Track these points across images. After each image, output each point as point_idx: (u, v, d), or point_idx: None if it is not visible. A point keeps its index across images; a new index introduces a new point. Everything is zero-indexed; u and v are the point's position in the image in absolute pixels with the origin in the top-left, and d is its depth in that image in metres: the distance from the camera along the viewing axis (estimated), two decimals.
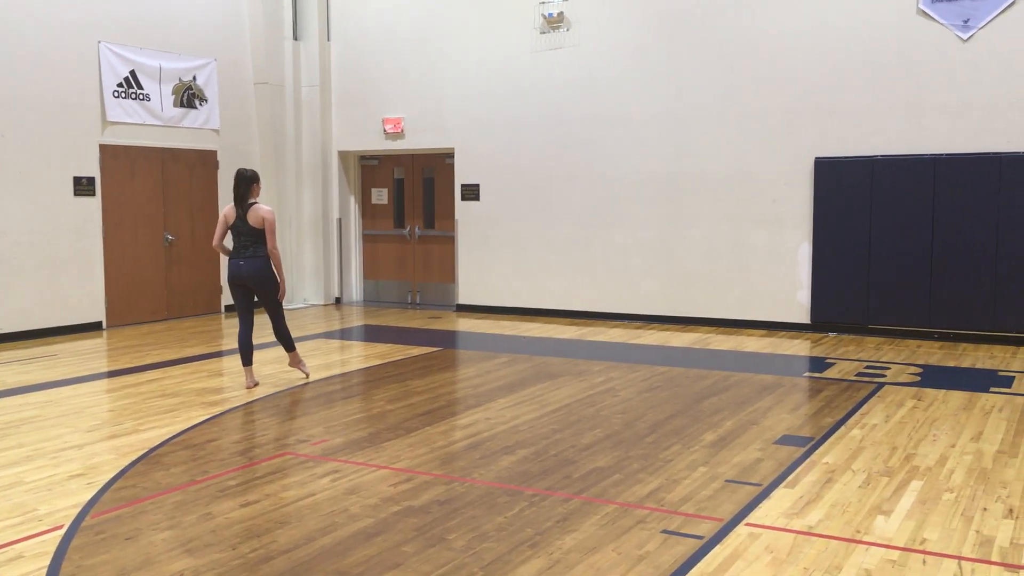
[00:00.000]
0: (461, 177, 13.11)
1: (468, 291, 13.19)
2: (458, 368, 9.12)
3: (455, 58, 12.94)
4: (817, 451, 5.89)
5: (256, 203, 7.68)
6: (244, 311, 7.84)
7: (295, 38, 13.73)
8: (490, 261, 12.95)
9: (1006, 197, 9.77)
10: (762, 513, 4.73)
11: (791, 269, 11.04)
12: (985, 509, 4.76)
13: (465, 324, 12.16)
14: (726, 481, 5.28)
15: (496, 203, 12.86)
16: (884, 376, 8.33)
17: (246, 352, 7.88)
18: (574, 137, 12.21)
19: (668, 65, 11.55)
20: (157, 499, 5.02)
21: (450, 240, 13.44)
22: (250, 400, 7.50)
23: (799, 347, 10.09)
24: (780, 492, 5.07)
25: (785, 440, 6.17)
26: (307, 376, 8.27)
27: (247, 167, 8.24)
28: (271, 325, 7.96)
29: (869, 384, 7.98)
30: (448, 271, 13.57)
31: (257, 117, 13.48)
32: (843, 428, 6.47)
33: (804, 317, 11.01)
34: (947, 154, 10.06)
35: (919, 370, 8.62)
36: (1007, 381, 8.08)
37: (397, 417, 6.90)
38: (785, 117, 10.91)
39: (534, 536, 4.42)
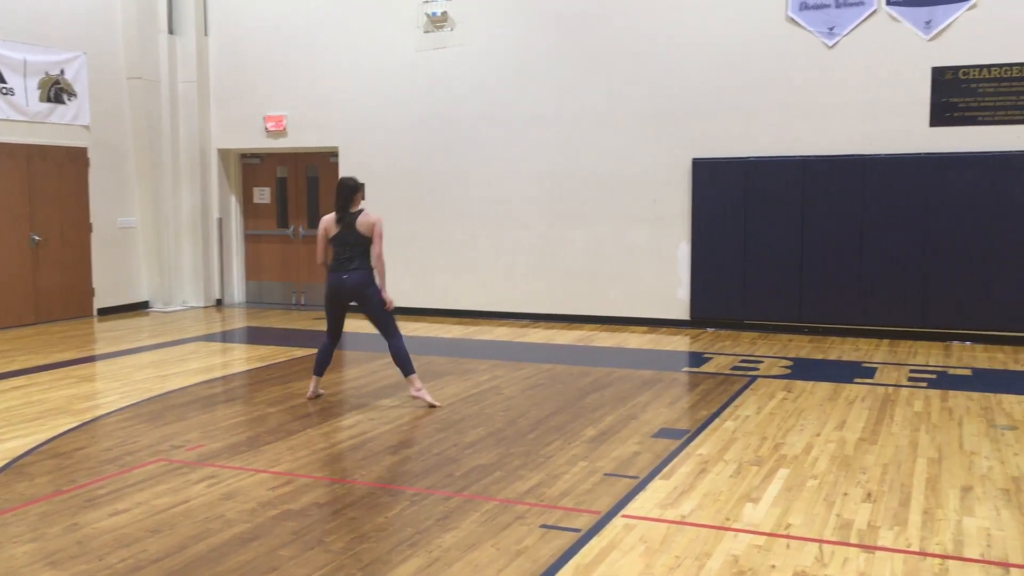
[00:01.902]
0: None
1: None
2: (343, 369, 9.02)
3: (338, 55, 12.78)
4: (692, 443, 6.07)
5: (364, 210, 7.06)
6: (335, 322, 7.28)
7: (170, 32, 13.30)
8: None
9: (870, 197, 10.28)
10: (638, 505, 4.86)
11: (671, 267, 11.34)
12: (846, 494, 5.01)
13: (351, 325, 11.95)
14: (605, 475, 5.39)
15: (382, 202, 12.73)
16: (757, 369, 8.65)
17: (321, 363, 7.37)
18: (461, 137, 12.24)
19: (552, 66, 11.70)
20: (19, 511, 4.80)
21: None
22: (122, 407, 7.24)
23: (679, 343, 10.37)
24: (656, 484, 5.21)
25: (662, 433, 6.34)
26: (433, 406, 7.07)
27: (349, 176, 7.22)
28: (387, 345, 7.15)
29: (743, 377, 8.27)
30: None
31: (131, 113, 13.01)
32: (717, 420, 6.69)
33: (684, 314, 11.32)
34: (815, 156, 10.52)
35: (790, 363, 8.99)
36: (870, 372, 8.50)
37: (278, 420, 6.78)
38: (664, 119, 11.20)
39: (414, 535, 4.42)
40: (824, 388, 7.77)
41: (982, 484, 5.16)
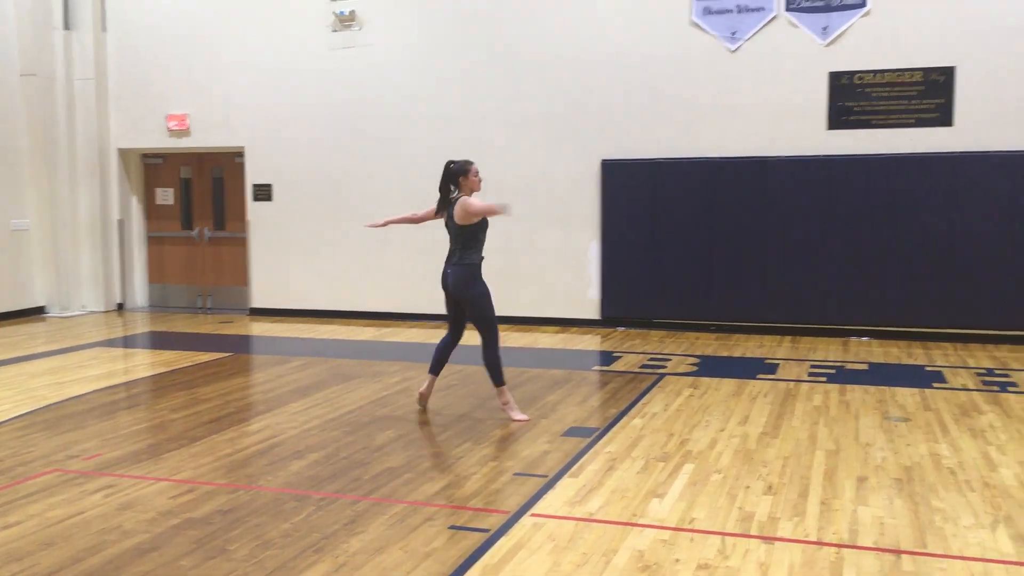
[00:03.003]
0: (253, 177, 12.71)
1: (262, 294, 12.81)
2: (249, 373, 8.84)
3: (244, 54, 12.53)
4: (601, 441, 6.14)
5: (463, 197, 6.56)
6: (452, 321, 6.99)
7: (66, 27, 12.82)
8: (285, 263, 12.64)
9: (772, 198, 10.56)
10: (546, 503, 4.88)
11: (582, 267, 11.44)
12: (748, 487, 5.13)
13: (259, 328, 11.80)
14: (514, 474, 5.41)
15: (291, 203, 12.57)
16: (665, 367, 8.80)
17: (437, 360, 7.04)
18: (370, 137, 12.13)
19: (460, 67, 11.70)
20: None
21: (242, 242, 12.99)
22: (15, 416, 6.94)
23: (590, 342, 10.48)
24: (565, 482, 5.24)
25: (572, 432, 6.39)
26: (522, 420, 6.63)
27: (454, 160, 6.79)
28: (481, 345, 6.74)
29: (652, 375, 8.40)
30: (240, 274, 13.11)
31: (24, 111, 12.50)
32: (626, 418, 6.78)
33: (595, 313, 11.44)
34: (720, 157, 10.76)
35: (697, 360, 9.17)
36: (773, 368, 8.73)
37: (181, 426, 6.60)
38: (573, 120, 11.30)
39: (320, 540, 4.35)
40: (729, 384, 7.94)
41: (876, 474, 5.35)
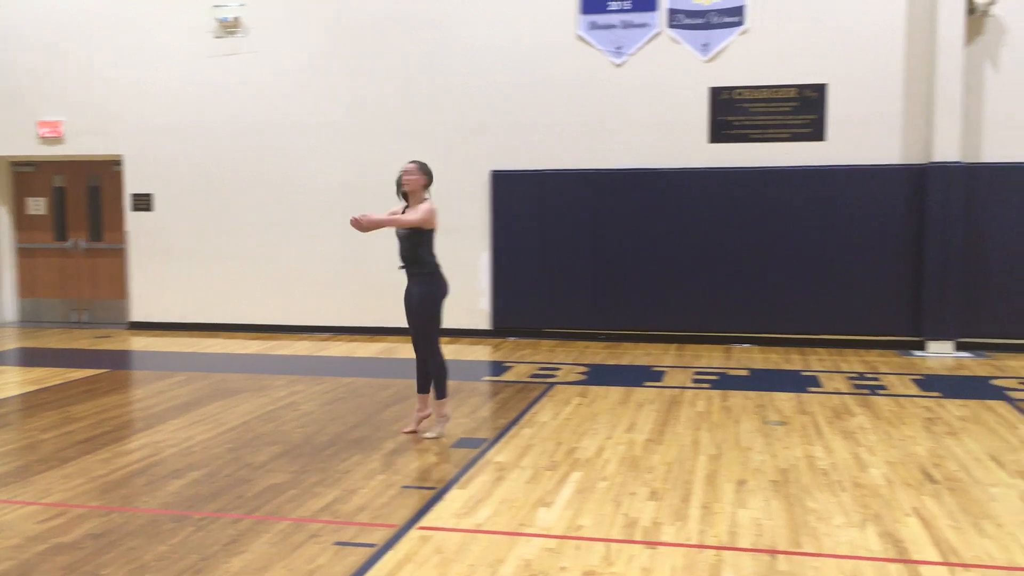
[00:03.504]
0: (132, 186, 12.26)
1: (143, 307, 12.36)
2: (127, 390, 8.51)
3: (122, 59, 12.09)
4: (490, 451, 6.15)
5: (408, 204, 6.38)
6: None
7: None
8: (167, 275, 12.23)
9: (657, 209, 10.81)
10: (435, 515, 4.86)
11: (473, 278, 11.46)
12: (633, 493, 5.22)
13: (139, 343, 11.38)
14: (403, 487, 5.36)
15: (173, 213, 12.18)
16: (555, 376, 8.88)
17: (422, 377, 6.68)
18: (257, 145, 11.87)
19: (349, 75, 11.58)
20: None
21: (120, 253, 12.51)
22: None
23: (481, 352, 10.50)
24: (453, 494, 5.23)
25: (462, 443, 6.38)
26: (428, 438, 6.46)
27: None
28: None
29: (541, 384, 8.47)
30: (119, 286, 12.62)
31: None
32: (515, 427, 6.81)
33: (486, 323, 11.47)
34: (607, 169, 10.95)
35: (586, 369, 9.29)
36: (659, 376, 8.92)
37: (51, 447, 6.29)
38: (463, 132, 11.32)
39: (199, 562, 4.22)
40: (617, 392, 8.07)
41: (755, 477, 5.52)
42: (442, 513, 4.89)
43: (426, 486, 5.38)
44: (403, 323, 11.34)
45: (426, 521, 4.77)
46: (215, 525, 4.71)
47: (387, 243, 11.48)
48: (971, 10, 9.84)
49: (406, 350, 10.53)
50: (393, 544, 4.43)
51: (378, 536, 4.55)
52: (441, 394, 6.57)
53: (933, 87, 9.98)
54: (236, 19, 11.66)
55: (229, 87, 11.85)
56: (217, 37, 11.78)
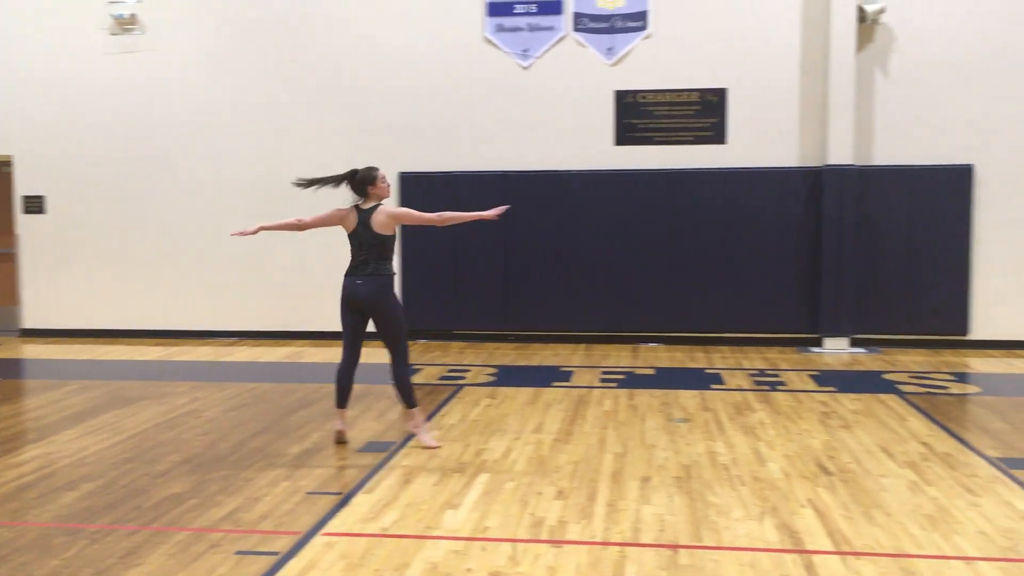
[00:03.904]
0: (23, 188, 11.78)
1: (35, 313, 11.88)
2: (18, 400, 8.17)
3: (10, 57, 11.60)
4: (398, 455, 6.11)
5: (382, 205, 6.22)
6: (352, 337, 6.38)
7: None
8: (62, 279, 11.78)
9: (565, 210, 10.91)
10: (340, 521, 4.80)
11: None
12: (540, 493, 5.25)
13: (31, 350, 10.94)
14: (307, 493, 5.28)
15: (68, 216, 11.74)
16: (464, 378, 8.88)
17: (343, 390, 6.40)
18: (158, 146, 11.54)
19: (253, 75, 11.36)
20: None
21: (10, 257, 12.00)
22: None
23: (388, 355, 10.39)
24: (359, 498, 5.18)
25: (369, 447, 6.32)
26: (433, 447, 6.24)
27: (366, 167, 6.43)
28: (390, 364, 6.39)
29: (451, 386, 8.46)
30: (8, 292, 12.10)
31: None
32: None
33: None
34: (516, 171, 11.00)
35: (495, 370, 9.32)
36: (567, 376, 9.01)
37: None
38: (370, 133, 11.22)
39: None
40: (525, 393, 8.12)
41: (659, 474, 5.62)
42: (348, 518, 4.84)
43: (332, 492, 5.31)
44: (312, 326, 11.33)
45: (331, 527, 4.71)
46: (110, 538, 4.56)
47: (293, 245, 11.37)
48: (862, 19, 10.22)
49: (313, 354, 10.45)
50: (297, 551, 4.36)
51: (281, 544, 4.48)
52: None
53: (827, 92, 10.34)
54: (132, 16, 11.32)
55: (128, 85, 11.49)
56: (113, 34, 11.42)
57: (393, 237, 6.23)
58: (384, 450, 6.22)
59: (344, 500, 5.14)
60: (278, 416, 7.26)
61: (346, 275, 6.26)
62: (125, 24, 11.34)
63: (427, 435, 6.36)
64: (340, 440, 6.37)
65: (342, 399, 6.39)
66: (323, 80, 11.28)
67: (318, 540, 4.52)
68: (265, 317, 11.50)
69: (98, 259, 11.70)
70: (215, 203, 11.53)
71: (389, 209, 6.24)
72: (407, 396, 6.35)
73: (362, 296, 6.18)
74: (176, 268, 11.61)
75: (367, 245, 6.15)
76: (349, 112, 11.25)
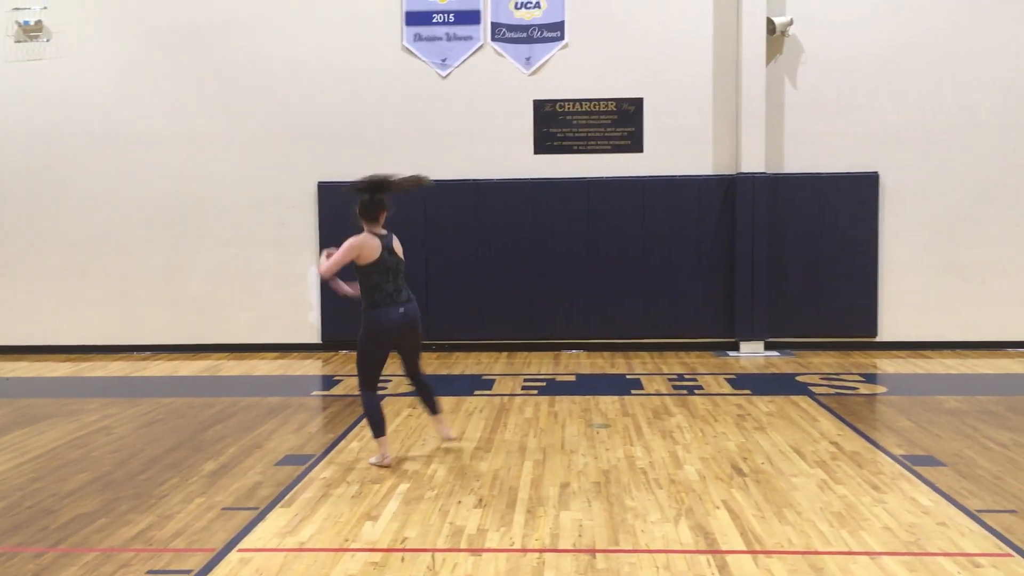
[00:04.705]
0: None
1: None
2: None
3: None
4: (316, 468, 6.04)
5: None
6: (381, 369, 6.17)
7: None
8: None
9: (486, 219, 10.95)
10: (256, 537, 4.72)
11: (301, 291, 11.24)
12: (460, 502, 5.25)
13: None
14: (223, 509, 5.18)
15: None
16: (386, 388, 8.80)
17: (426, 402, 6.43)
18: (64, 156, 11.21)
19: (166, 84, 11.13)
20: None
21: None
22: None
23: (310, 367, 10.30)
24: (276, 513, 5.10)
25: (287, 460, 6.24)
26: (450, 438, 6.52)
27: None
28: (411, 370, 6.36)
29: None
30: None
31: None
32: (343, 442, 6.72)
33: (316, 337, 11.26)
34: (437, 179, 10.88)
35: None
36: (489, 384, 9.03)
37: None
38: (288, 142, 11.10)
39: None
40: (447, 402, 8.07)
41: (578, 479, 5.68)
42: (263, 533, 4.77)
43: (248, 507, 5.22)
44: (229, 339, 11.13)
45: (246, 543, 4.63)
46: (14, 561, 4.41)
47: (210, 256, 11.17)
48: (771, 31, 10.51)
49: (230, 367, 10.26)
50: (210, 569, 4.28)
51: (194, 561, 4.39)
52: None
53: (739, 102, 10.60)
54: (38, 22, 10.99)
55: (32, 94, 11.15)
56: (18, 41, 11.07)
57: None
58: (302, 463, 6.14)
59: (260, 515, 5.06)
60: (193, 431, 7.11)
61: (382, 306, 5.95)
62: (31, 31, 11.01)
63: (449, 429, 6.58)
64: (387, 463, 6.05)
65: (431, 407, 6.44)
66: (237, 89, 11.11)
67: (233, 556, 4.44)
68: (181, 330, 11.25)
69: (3, 273, 11.30)
70: (125, 215, 11.26)
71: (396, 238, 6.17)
72: (435, 400, 6.43)
73: (409, 322, 6.04)
74: (86, 282, 11.28)
75: (394, 271, 6.00)
76: (265, 122, 11.11)
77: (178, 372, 10.05)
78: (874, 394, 8.48)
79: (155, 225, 11.25)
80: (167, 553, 4.51)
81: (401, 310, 5.95)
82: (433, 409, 6.41)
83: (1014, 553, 4.36)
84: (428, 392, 6.38)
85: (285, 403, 8.17)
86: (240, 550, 4.53)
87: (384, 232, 6.00)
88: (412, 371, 6.33)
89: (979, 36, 10.58)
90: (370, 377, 6.07)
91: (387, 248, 5.92)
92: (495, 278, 11.01)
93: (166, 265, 11.25)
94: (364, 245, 5.88)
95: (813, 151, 10.75)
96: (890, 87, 10.67)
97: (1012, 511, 4.96)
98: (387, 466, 5.95)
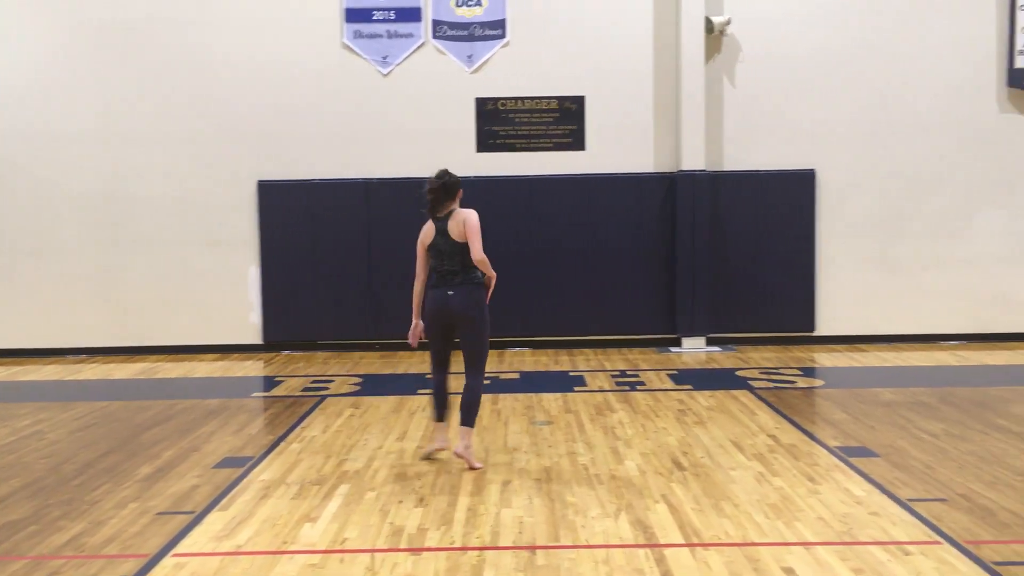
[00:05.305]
0: None
1: None
2: None
3: None
4: (256, 469, 5.96)
5: (455, 210, 5.86)
6: (440, 354, 6.06)
7: None
8: None
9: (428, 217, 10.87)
10: (191, 541, 4.64)
11: (241, 291, 11.07)
12: (400, 502, 5.22)
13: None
14: (157, 514, 5.09)
15: None
16: (328, 389, 8.75)
17: (441, 405, 6.09)
18: None
19: (98, 80, 10.89)
20: None
21: None
22: None
23: (251, 368, 10.16)
24: (213, 516, 5.02)
25: (225, 463, 6.14)
26: (473, 468, 5.84)
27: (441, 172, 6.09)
28: (465, 374, 6.01)
29: (313, 398, 8.31)
30: None
31: None
32: (283, 443, 6.64)
33: (257, 338, 11.11)
34: (377, 179, 10.92)
35: (360, 380, 9.22)
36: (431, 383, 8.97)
37: None
38: (227, 140, 10.93)
39: None
40: (390, 402, 8.06)
41: (520, 477, 5.68)
42: (199, 538, 4.69)
43: (184, 511, 5.13)
44: (167, 340, 10.92)
45: (181, 547, 4.55)
46: None
47: (147, 257, 10.95)
48: (709, 30, 10.63)
49: (168, 368, 10.09)
50: (144, 575, 4.19)
51: (127, 568, 4.30)
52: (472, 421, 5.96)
53: (679, 101, 10.70)
54: None
55: None
56: None
57: (465, 243, 5.85)
58: (241, 465, 6.05)
59: (197, 519, 4.97)
60: (129, 435, 6.97)
61: (432, 287, 5.93)
62: None
63: (472, 456, 5.90)
64: (441, 448, 6.07)
65: (441, 412, 6.13)
66: (172, 86, 10.91)
67: (167, 562, 4.36)
68: (117, 333, 11.01)
69: None
70: (56, 215, 10.99)
71: (461, 214, 5.89)
72: (471, 412, 5.94)
73: (454, 307, 5.84)
74: (15, 284, 10.99)
75: (448, 254, 5.87)
76: (202, 119, 10.92)
77: (114, 375, 9.85)
78: (812, 387, 8.64)
79: (88, 225, 11.00)
80: (99, 560, 4.41)
81: (450, 292, 5.84)
82: (466, 419, 5.94)
83: (943, 540, 4.47)
84: (466, 398, 5.97)
85: (225, 405, 8.05)
86: (175, 555, 4.44)
87: (444, 215, 5.91)
88: (466, 370, 6.03)
89: (913, 36, 10.82)
90: (430, 359, 6.12)
91: (440, 231, 5.88)
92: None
93: (100, 266, 11.00)
94: (423, 232, 6.00)
95: (752, 149, 10.90)
96: (826, 86, 10.86)
97: (942, 500, 5.09)
98: (441, 449, 6.04)
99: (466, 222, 5.83)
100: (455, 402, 6.12)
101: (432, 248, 5.93)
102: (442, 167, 6.28)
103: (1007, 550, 4.36)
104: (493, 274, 5.93)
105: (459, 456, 5.90)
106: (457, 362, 6.14)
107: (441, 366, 6.13)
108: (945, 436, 6.49)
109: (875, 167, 10.91)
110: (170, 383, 9.31)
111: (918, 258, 10.93)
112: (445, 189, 5.94)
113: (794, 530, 4.64)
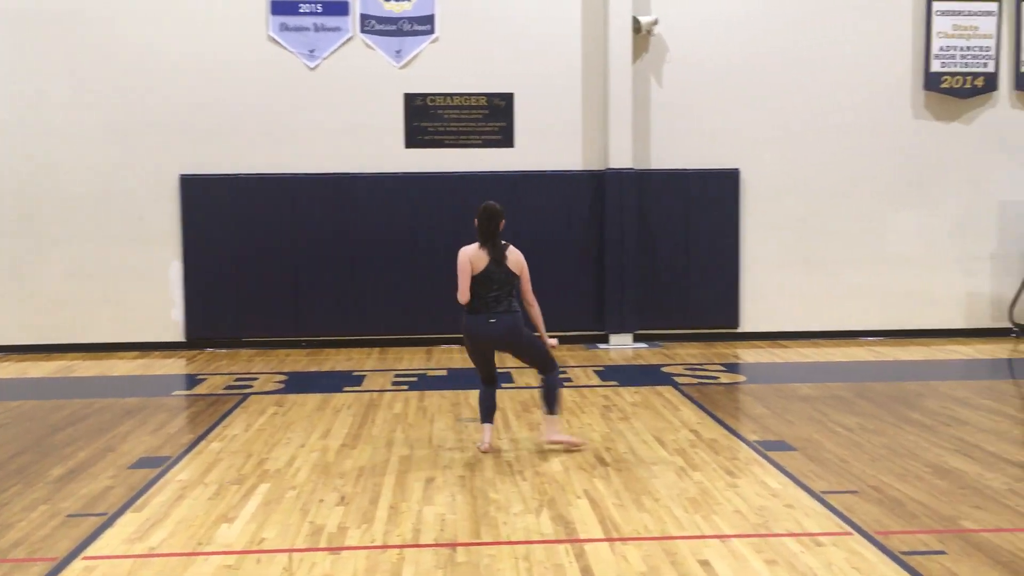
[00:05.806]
0: None
1: None
2: None
3: None
4: (173, 469, 5.84)
5: (507, 242, 6.17)
6: (487, 370, 6.32)
7: None
8: None
9: (356, 213, 10.78)
10: (103, 543, 4.53)
11: (163, 288, 10.82)
12: (322, 500, 5.16)
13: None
14: (68, 516, 4.95)
15: None
16: (251, 387, 8.61)
17: (488, 408, 6.28)
18: None
19: (15, 69, 10.52)
20: None
21: None
22: None
23: (172, 366, 9.95)
24: (126, 518, 4.90)
25: (141, 463, 6.00)
26: (576, 446, 6.21)
27: (493, 201, 6.27)
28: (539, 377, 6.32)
29: (236, 396, 8.17)
30: None
31: None
32: (203, 443, 6.51)
33: (179, 335, 10.87)
34: (303, 174, 10.77)
35: (284, 378, 9.09)
36: (359, 380, 8.92)
37: None
38: (147, 134, 10.66)
39: None
40: (315, 399, 7.97)
41: (443, 474, 5.67)
42: (111, 540, 4.57)
43: (96, 513, 4.99)
44: (85, 338, 10.62)
45: (92, 550, 4.43)
46: None
47: (64, 252, 10.63)
48: (636, 30, 10.73)
49: (86, 367, 9.83)
50: None
51: (35, 571, 4.17)
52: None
53: (607, 99, 10.78)
54: None
55: None
56: None
57: (520, 276, 6.21)
58: (157, 465, 5.92)
59: (109, 521, 4.85)
60: (42, 435, 6.76)
61: (472, 313, 6.14)
62: None
63: (566, 436, 6.33)
64: (489, 448, 6.21)
65: (489, 414, 6.30)
66: (91, 79, 10.60)
67: (77, 565, 4.24)
68: (32, 330, 10.67)
69: None
70: None
71: (514, 249, 6.21)
72: (551, 402, 6.20)
73: (496, 335, 6.13)
74: None
75: (499, 282, 6.09)
76: (122, 112, 10.63)
77: (28, 374, 9.55)
78: (734, 383, 8.79)
79: (1, 219, 10.63)
80: (5, 564, 4.27)
81: (492, 320, 6.09)
82: (550, 408, 6.20)
83: (853, 531, 4.59)
84: (544, 391, 6.23)
85: (143, 404, 7.86)
86: (85, 558, 4.33)
87: (500, 246, 6.15)
88: (538, 371, 6.33)
89: (837, 41, 11.06)
90: (479, 372, 6.35)
91: (495, 260, 6.09)
92: (366, 273, 10.87)
93: (15, 261, 10.65)
94: (469, 256, 6.17)
95: (678, 148, 11.03)
96: (751, 88, 11.05)
97: (854, 491, 5.23)
98: (485, 451, 6.14)
99: (520, 258, 6.20)
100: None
101: (483, 275, 6.09)
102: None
103: (914, 540, 4.49)
104: (539, 311, 6.33)
105: (553, 443, 6.19)
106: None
107: (488, 382, 6.35)
108: (860, 430, 6.66)
109: (797, 168, 11.15)
110: (87, 382, 9.06)
111: (838, 257, 11.20)
112: (500, 218, 6.19)
113: (711, 523, 4.72)
